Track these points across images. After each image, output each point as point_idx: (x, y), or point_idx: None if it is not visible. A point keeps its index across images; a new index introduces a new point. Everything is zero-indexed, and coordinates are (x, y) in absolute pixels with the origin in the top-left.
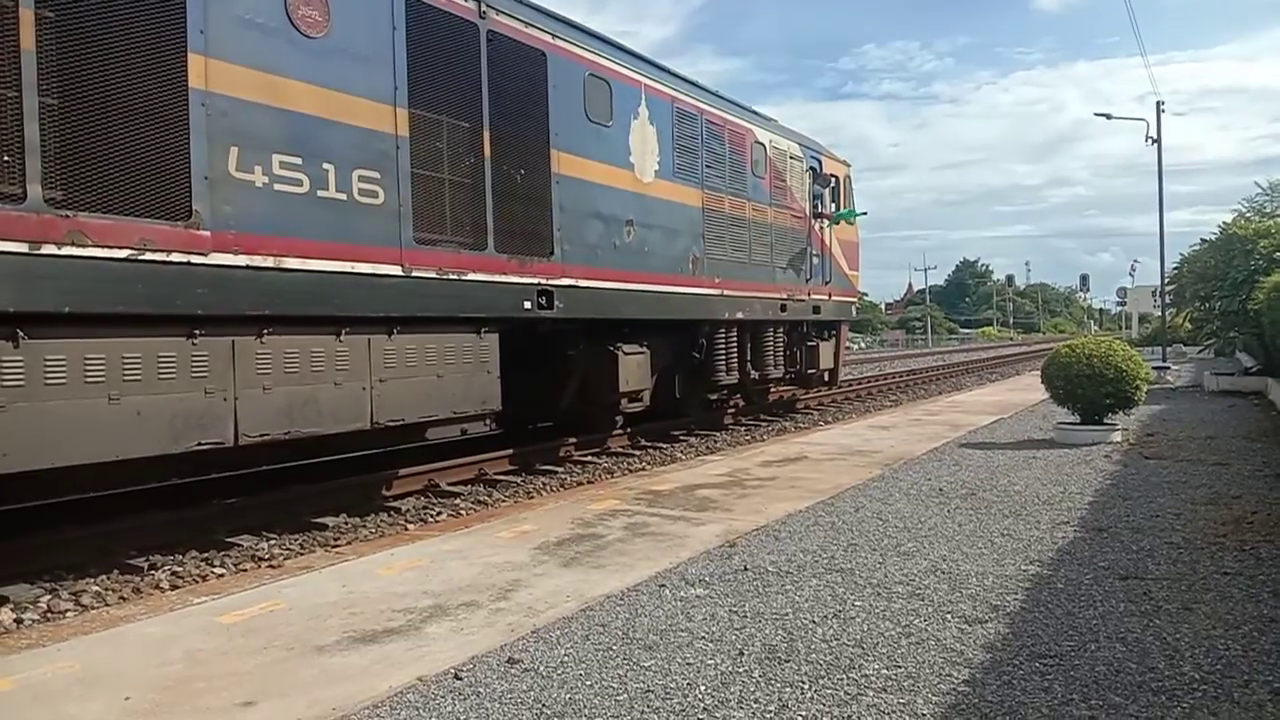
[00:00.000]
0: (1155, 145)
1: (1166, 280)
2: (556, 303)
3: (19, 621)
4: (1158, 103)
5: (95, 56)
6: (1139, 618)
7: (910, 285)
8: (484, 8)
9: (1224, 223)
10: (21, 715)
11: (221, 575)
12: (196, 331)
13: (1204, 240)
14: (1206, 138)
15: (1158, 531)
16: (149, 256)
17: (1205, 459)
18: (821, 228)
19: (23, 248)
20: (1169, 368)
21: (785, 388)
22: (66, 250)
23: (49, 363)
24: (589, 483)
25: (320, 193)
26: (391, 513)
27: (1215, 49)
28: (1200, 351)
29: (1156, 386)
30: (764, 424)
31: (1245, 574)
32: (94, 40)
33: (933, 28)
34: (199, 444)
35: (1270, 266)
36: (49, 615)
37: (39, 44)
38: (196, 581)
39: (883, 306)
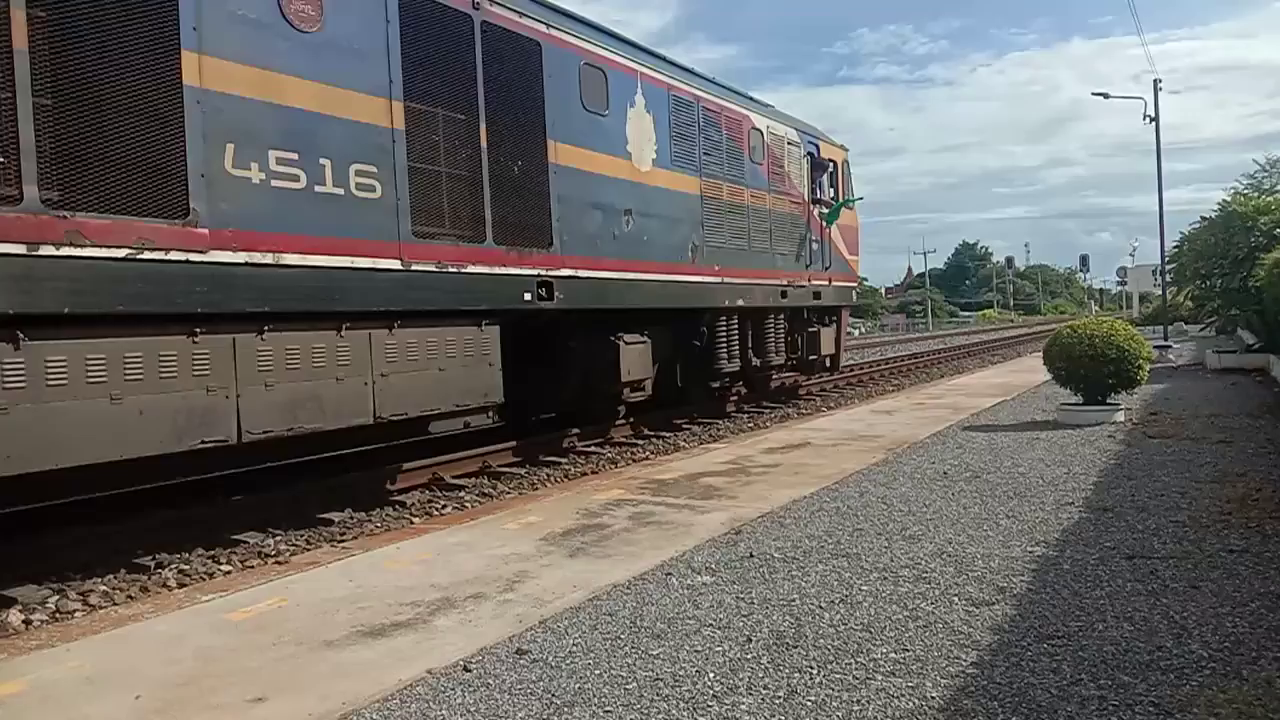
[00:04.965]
0: (1153, 124)
1: (1166, 259)
2: (556, 293)
3: (28, 623)
4: (1155, 81)
5: (89, 56)
6: (1146, 597)
7: (910, 269)
8: None
9: (1224, 200)
10: (33, 716)
11: (229, 572)
12: (197, 329)
13: (1204, 218)
14: (1204, 115)
15: (1163, 510)
16: (147, 255)
17: (1209, 437)
18: (820, 213)
19: (20, 249)
20: (1171, 346)
21: (787, 374)
22: (65, 251)
23: (50, 364)
24: (593, 473)
25: (318, 188)
26: (397, 507)
27: (1212, 25)
28: (1202, 330)
29: (1158, 366)
30: (767, 411)
31: (1251, 551)
32: (87, 39)
33: (925, 10)
34: (202, 442)
35: (1271, 243)
36: (57, 616)
37: (32, 44)
38: (204, 579)
39: (883, 291)
